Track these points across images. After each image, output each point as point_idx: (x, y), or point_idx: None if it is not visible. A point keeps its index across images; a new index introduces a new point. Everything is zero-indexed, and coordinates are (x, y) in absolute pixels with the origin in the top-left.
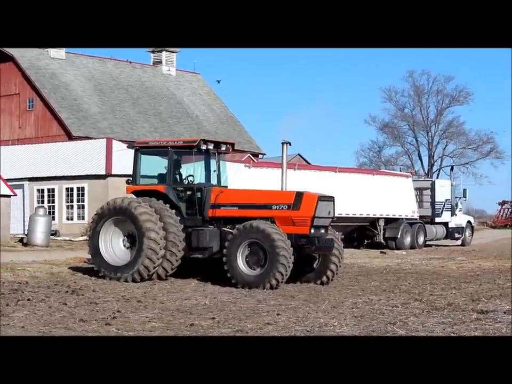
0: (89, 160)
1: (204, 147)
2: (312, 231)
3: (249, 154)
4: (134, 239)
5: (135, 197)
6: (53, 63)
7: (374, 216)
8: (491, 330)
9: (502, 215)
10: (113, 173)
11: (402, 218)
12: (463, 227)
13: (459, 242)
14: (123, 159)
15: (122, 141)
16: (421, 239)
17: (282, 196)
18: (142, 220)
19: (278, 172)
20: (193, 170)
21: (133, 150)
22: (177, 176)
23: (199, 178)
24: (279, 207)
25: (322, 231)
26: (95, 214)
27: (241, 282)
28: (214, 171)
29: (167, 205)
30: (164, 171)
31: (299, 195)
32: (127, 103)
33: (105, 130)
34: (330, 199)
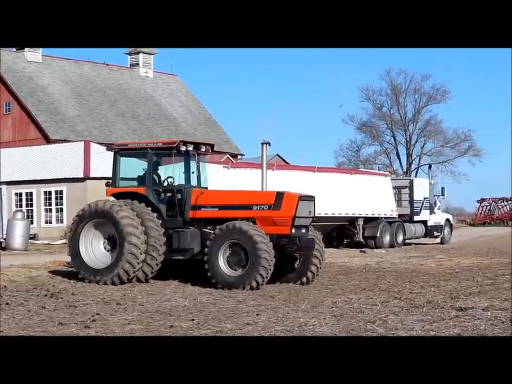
0: (67, 163)
1: (183, 148)
2: (293, 231)
3: (228, 155)
4: (115, 242)
5: (115, 199)
6: (29, 66)
7: (353, 216)
8: (470, 327)
9: (480, 213)
10: (91, 175)
11: (381, 217)
12: (441, 225)
13: (438, 240)
14: (101, 162)
15: (101, 144)
16: (400, 238)
17: (262, 196)
18: (124, 224)
19: (257, 172)
20: (171, 172)
21: (112, 152)
22: (157, 178)
23: (179, 179)
24: (260, 208)
25: (303, 230)
26: (76, 216)
27: (222, 283)
28: (193, 172)
29: (149, 208)
30: (143, 173)
31: (279, 195)
32: (104, 105)
33: (83, 133)
34: (311, 198)
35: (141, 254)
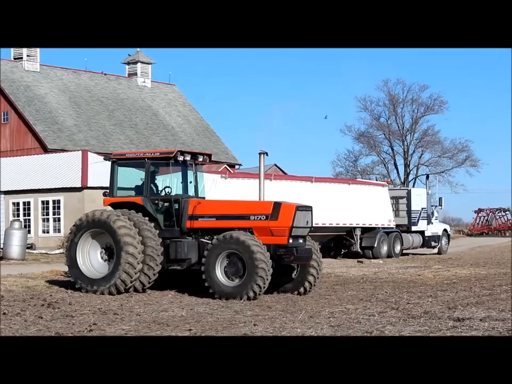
0: (64, 172)
1: (181, 158)
2: (291, 241)
3: (225, 165)
4: (112, 252)
5: (112, 209)
6: (27, 76)
7: (350, 226)
8: None
9: (478, 223)
10: (89, 185)
11: (378, 227)
12: (439, 235)
13: (435, 250)
14: (99, 171)
15: (98, 153)
16: (397, 248)
17: (260, 206)
18: (121, 233)
19: (254, 182)
20: (169, 182)
21: (109, 162)
22: (155, 188)
23: (176, 189)
24: (257, 218)
25: (301, 241)
26: (73, 225)
27: (219, 293)
28: (191, 182)
29: (146, 218)
30: (141, 183)
31: (277, 205)
32: (102, 115)
33: (81, 143)
34: (308, 208)
35: (138, 264)
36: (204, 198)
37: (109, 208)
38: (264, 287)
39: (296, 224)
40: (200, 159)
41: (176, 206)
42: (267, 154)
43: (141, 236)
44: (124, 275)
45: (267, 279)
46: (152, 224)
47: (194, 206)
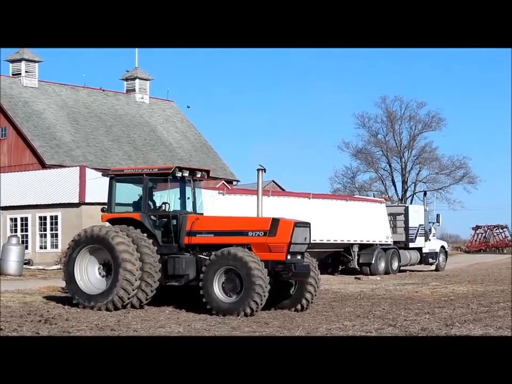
0: (62, 188)
1: (179, 174)
2: (289, 257)
3: (223, 181)
4: (110, 268)
5: (110, 225)
6: (25, 92)
7: (348, 242)
8: None
9: (475, 240)
10: (86, 201)
11: (376, 244)
12: (437, 252)
13: (433, 267)
14: (96, 187)
15: (96, 169)
16: (395, 265)
17: (258, 222)
18: (119, 250)
19: (252, 198)
20: (167, 198)
21: (107, 178)
22: (152, 204)
23: (174, 205)
24: (255, 234)
25: (299, 257)
26: (72, 241)
27: (217, 309)
28: (188, 198)
29: (145, 234)
30: (139, 198)
31: (275, 221)
32: (100, 131)
33: (79, 159)
34: (306, 225)
35: (136, 280)
36: (202, 214)
37: (107, 224)
38: (261, 304)
39: (294, 241)
40: (199, 175)
41: (174, 222)
42: (265, 171)
43: (139, 252)
44: (121, 291)
45: (264, 296)
46: (151, 241)
47: (193, 222)
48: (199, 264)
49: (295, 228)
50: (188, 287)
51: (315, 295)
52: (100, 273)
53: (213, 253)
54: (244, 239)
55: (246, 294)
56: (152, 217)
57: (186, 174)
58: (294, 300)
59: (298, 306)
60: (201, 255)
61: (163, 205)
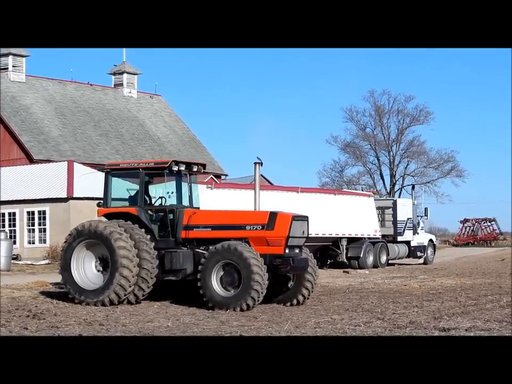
0: (50, 183)
1: (175, 168)
2: (287, 251)
3: (211, 176)
4: (107, 263)
5: (106, 220)
6: (13, 86)
7: (336, 236)
8: None
9: (463, 233)
10: (74, 195)
11: (364, 238)
12: (425, 246)
13: (421, 260)
14: (85, 182)
15: (84, 164)
16: (383, 258)
17: (255, 216)
18: (117, 246)
19: (240, 192)
20: (162, 192)
21: (101, 173)
22: (149, 198)
23: (171, 199)
24: (253, 228)
25: (297, 250)
26: (74, 229)
27: (213, 302)
28: (185, 192)
29: (142, 230)
30: (135, 193)
31: (273, 215)
32: (88, 125)
33: (67, 153)
34: (304, 218)
35: (133, 277)
36: (199, 208)
37: (104, 219)
38: (258, 300)
39: (292, 234)
40: (195, 169)
41: (171, 216)
42: (262, 165)
43: (136, 248)
44: (118, 288)
45: (262, 293)
46: (148, 236)
47: (190, 216)
48: (196, 259)
49: (293, 221)
50: (181, 281)
51: (312, 291)
52: (96, 268)
53: (211, 247)
54: (241, 233)
55: (244, 289)
56: (148, 211)
57: (182, 168)
58: (291, 295)
59: (294, 302)
60: (199, 249)
61: (160, 199)
